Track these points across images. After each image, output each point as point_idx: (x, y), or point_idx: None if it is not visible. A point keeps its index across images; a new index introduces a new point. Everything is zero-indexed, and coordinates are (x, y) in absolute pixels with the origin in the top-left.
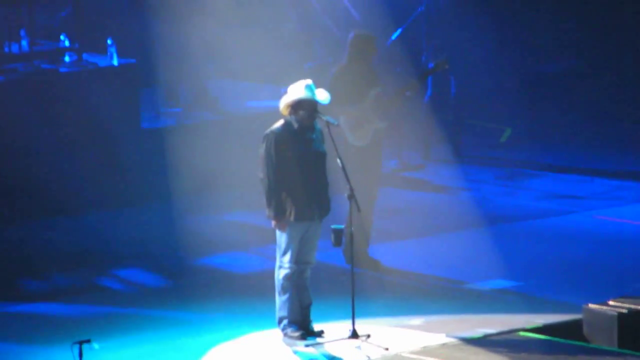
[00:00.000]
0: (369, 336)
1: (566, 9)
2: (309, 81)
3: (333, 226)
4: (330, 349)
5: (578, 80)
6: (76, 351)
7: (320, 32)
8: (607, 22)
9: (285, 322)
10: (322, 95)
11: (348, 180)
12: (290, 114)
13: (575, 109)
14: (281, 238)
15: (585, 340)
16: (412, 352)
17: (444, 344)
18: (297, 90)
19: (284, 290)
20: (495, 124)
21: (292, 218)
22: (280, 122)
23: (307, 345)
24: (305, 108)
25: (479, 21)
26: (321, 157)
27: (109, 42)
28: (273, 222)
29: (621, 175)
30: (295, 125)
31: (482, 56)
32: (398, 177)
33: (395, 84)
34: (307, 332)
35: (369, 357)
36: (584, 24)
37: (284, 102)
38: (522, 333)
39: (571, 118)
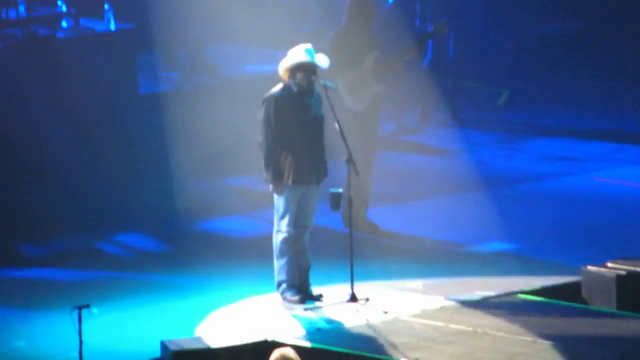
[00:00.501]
0: (367, 299)
1: None
2: (309, 45)
3: (331, 190)
4: (329, 312)
5: (577, 42)
6: (75, 316)
7: None
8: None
9: (284, 285)
10: (322, 60)
11: (346, 144)
12: (289, 77)
13: (574, 70)
14: (279, 202)
15: (583, 302)
16: (411, 315)
17: (442, 307)
18: (296, 54)
19: (282, 254)
20: (494, 87)
21: (289, 181)
22: (279, 86)
23: (306, 309)
24: (304, 71)
25: None
26: (319, 121)
27: (106, 7)
28: (271, 186)
29: (621, 137)
30: (295, 89)
31: (480, 18)
32: (396, 140)
33: (394, 48)
34: (306, 296)
35: (368, 321)
36: None
37: (283, 65)
38: (520, 295)
39: (570, 80)
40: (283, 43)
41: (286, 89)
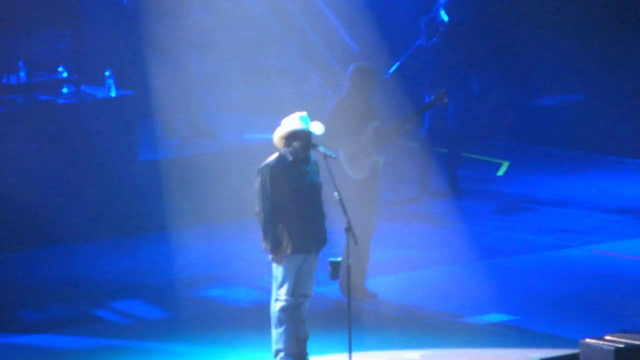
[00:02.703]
0: None
1: (566, 42)
2: (304, 113)
3: (330, 259)
4: None
5: (577, 115)
6: None
7: (318, 65)
8: (607, 55)
9: (281, 355)
10: (317, 127)
11: (345, 212)
12: (284, 146)
13: (573, 143)
14: (277, 271)
15: None
16: None
17: None
18: (291, 122)
19: (280, 323)
20: (493, 158)
21: (288, 251)
22: (274, 155)
23: None
24: (300, 139)
25: (476, 54)
26: (317, 188)
27: (107, 73)
28: (270, 255)
29: (620, 210)
30: (290, 158)
31: (479, 90)
32: (395, 209)
33: (394, 118)
34: None
35: None
36: (585, 57)
37: (278, 134)
38: None
39: (569, 152)
40: (284, 112)
41: (281, 157)
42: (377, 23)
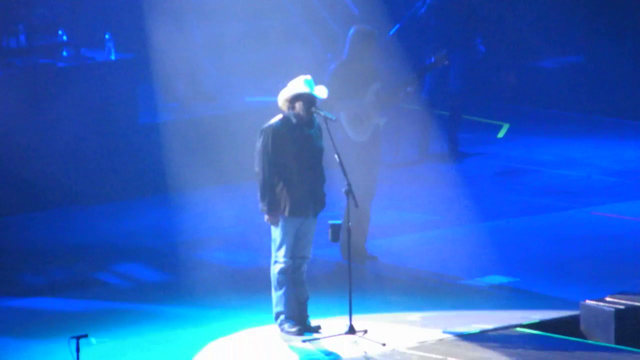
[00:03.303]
0: (366, 332)
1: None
2: (308, 76)
3: (330, 221)
4: (328, 344)
5: (577, 75)
6: (73, 346)
7: (318, 27)
8: (608, 17)
9: (282, 317)
10: (321, 91)
11: (346, 175)
12: (288, 108)
13: (573, 104)
14: (276, 233)
15: (582, 336)
16: (409, 348)
17: (440, 340)
18: (295, 85)
19: (279, 285)
20: (493, 120)
21: (286, 212)
22: (278, 117)
23: (304, 341)
24: (303, 103)
25: (477, 16)
26: (319, 152)
27: (106, 36)
28: (266, 217)
29: (620, 172)
30: (294, 120)
31: (484, 51)
32: (395, 172)
33: (395, 80)
34: (304, 328)
35: (366, 353)
36: (586, 19)
37: (283, 96)
38: (518, 329)
39: (569, 113)
40: (284, 75)
41: (285, 119)
42: None
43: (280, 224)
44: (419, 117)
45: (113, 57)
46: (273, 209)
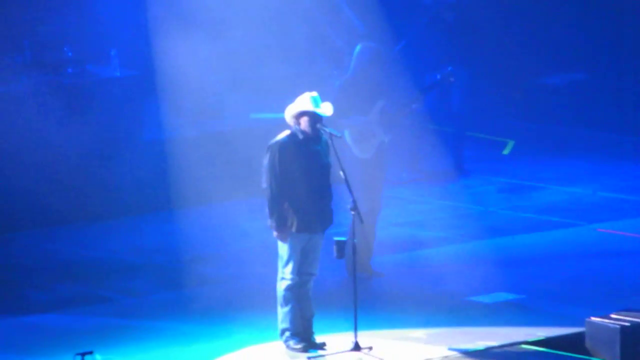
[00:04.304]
0: (371, 348)
1: (572, 20)
2: (315, 93)
3: (336, 238)
4: None
5: (582, 92)
6: None
7: (323, 44)
8: (611, 33)
9: (287, 333)
10: (327, 108)
11: (351, 192)
12: (294, 124)
13: (578, 121)
14: (283, 249)
15: (587, 353)
16: None
17: (446, 357)
18: (301, 101)
19: (285, 301)
20: (499, 137)
21: (293, 229)
22: (285, 133)
23: (309, 358)
24: (309, 119)
25: (483, 32)
26: (326, 169)
27: (112, 53)
28: (274, 233)
29: (625, 189)
30: (300, 136)
31: (485, 67)
32: (401, 189)
33: (400, 96)
34: (309, 344)
35: None
36: (590, 36)
37: (289, 112)
38: (524, 346)
39: (575, 130)
40: (290, 91)
41: (292, 135)
42: (383, 1)
43: (287, 240)
44: (413, 133)
45: (118, 74)
46: (281, 225)
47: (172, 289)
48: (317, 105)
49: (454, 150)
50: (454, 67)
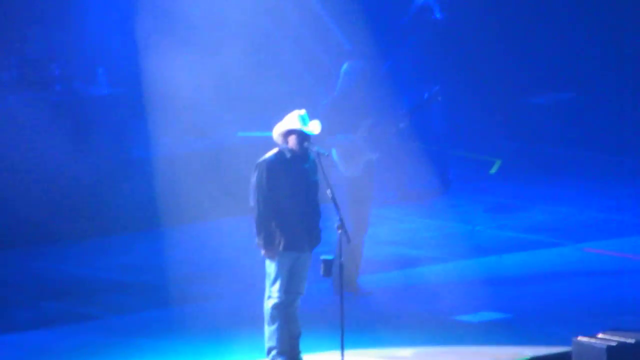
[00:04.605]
0: None
1: (559, 39)
2: (303, 111)
3: (323, 256)
4: None
5: (568, 112)
6: None
7: (310, 62)
8: (604, 53)
9: (274, 352)
10: (313, 127)
11: (338, 210)
12: (282, 142)
13: (566, 140)
14: (270, 267)
15: None
16: None
17: None
18: (289, 120)
19: (272, 320)
20: (485, 156)
21: (281, 247)
22: (273, 151)
23: None
24: (296, 137)
25: (467, 50)
26: (314, 187)
27: (99, 71)
28: (262, 251)
29: (612, 208)
30: (288, 155)
31: (470, 87)
32: (388, 207)
33: (387, 115)
34: None
35: None
36: (578, 55)
37: (277, 130)
38: None
39: (562, 149)
40: (276, 110)
41: (280, 154)
42: (370, 20)
43: (275, 258)
44: (400, 152)
45: (106, 92)
46: (269, 244)
47: (160, 307)
48: (305, 124)
49: (439, 168)
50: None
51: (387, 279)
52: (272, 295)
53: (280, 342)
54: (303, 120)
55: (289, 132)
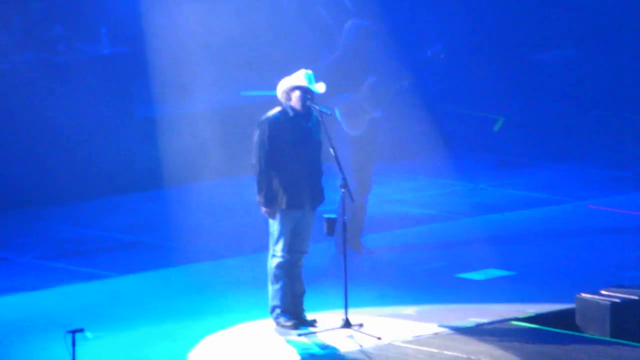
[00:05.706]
0: (361, 325)
1: None
2: (309, 71)
3: (326, 215)
4: (323, 338)
5: (573, 69)
6: (69, 340)
7: (313, 22)
8: (605, 10)
9: (278, 311)
10: (319, 87)
11: (341, 169)
12: (285, 100)
13: (569, 98)
14: (273, 226)
15: (577, 329)
16: (405, 342)
17: (436, 334)
18: (294, 77)
19: (276, 279)
20: (488, 113)
21: (283, 206)
22: (276, 109)
23: (299, 335)
24: (300, 95)
25: (471, 8)
26: (316, 145)
27: (102, 30)
28: (263, 209)
29: (615, 165)
30: (291, 113)
31: (475, 45)
32: (391, 165)
33: (390, 73)
34: (299, 321)
35: (361, 346)
36: (580, 12)
37: (281, 87)
38: (514, 322)
39: (565, 107)
40: (279, 69)
41: (283, 112)
42: None
43: (278, 217)
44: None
45: (109, 51)
46: (270, 202)
47: (162, 267)
48: (310, 83)
49: (443, 127)
50: (444, 44)
51: (390, 237)
52: (275, 254)
53: (284, 300)
54: (309, 78)
55: (293, 88)
